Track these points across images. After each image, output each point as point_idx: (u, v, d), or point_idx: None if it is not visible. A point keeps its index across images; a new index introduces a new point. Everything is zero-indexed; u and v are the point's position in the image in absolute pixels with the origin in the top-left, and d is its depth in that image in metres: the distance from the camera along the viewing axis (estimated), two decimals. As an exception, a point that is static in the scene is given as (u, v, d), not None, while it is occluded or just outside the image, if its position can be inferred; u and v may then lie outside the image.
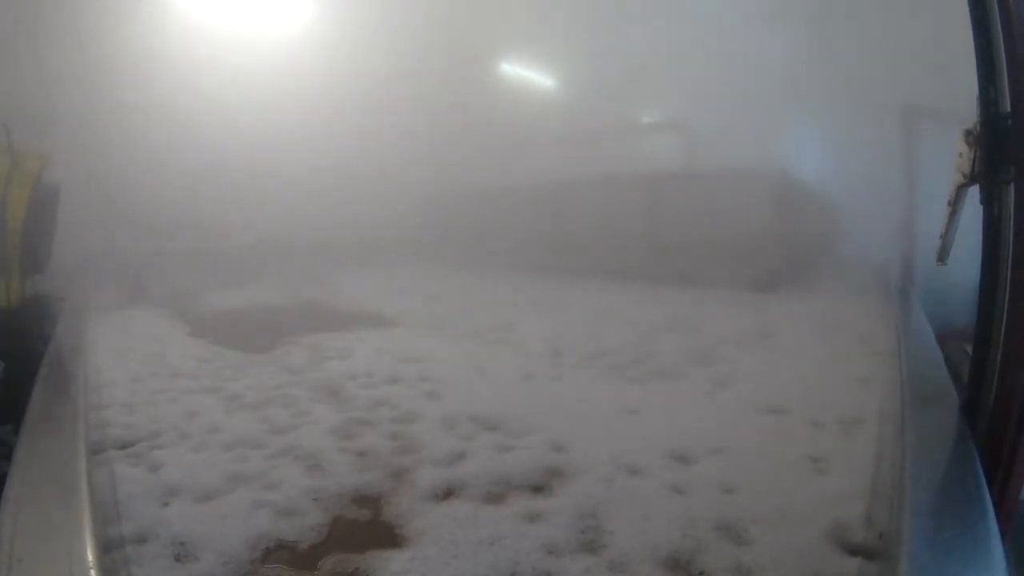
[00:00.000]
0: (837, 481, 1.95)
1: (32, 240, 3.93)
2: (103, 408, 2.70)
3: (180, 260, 6.32)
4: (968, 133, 1.98)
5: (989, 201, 1.95)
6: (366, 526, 1.81)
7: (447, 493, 1.98)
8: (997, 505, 1.65)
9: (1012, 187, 1.89)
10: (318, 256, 6.84)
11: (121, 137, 6.35)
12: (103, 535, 1.65)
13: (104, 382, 3.08)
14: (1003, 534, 1.51)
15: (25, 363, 3.27)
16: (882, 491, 1.82)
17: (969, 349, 2.15)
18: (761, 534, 1.69)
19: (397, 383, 3.10)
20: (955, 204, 2.08)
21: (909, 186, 5.22)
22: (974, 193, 2.01)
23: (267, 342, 4.01)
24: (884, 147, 5.33)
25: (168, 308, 5.24)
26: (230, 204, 6.73)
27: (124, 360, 3.58)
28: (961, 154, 2.01)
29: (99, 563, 1.44)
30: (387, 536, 1.75)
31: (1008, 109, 1.89)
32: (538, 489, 1.99)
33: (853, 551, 1.60)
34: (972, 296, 2.08)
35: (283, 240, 6.89)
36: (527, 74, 8.35)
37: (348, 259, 6.99)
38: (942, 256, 2.17)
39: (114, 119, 6.34)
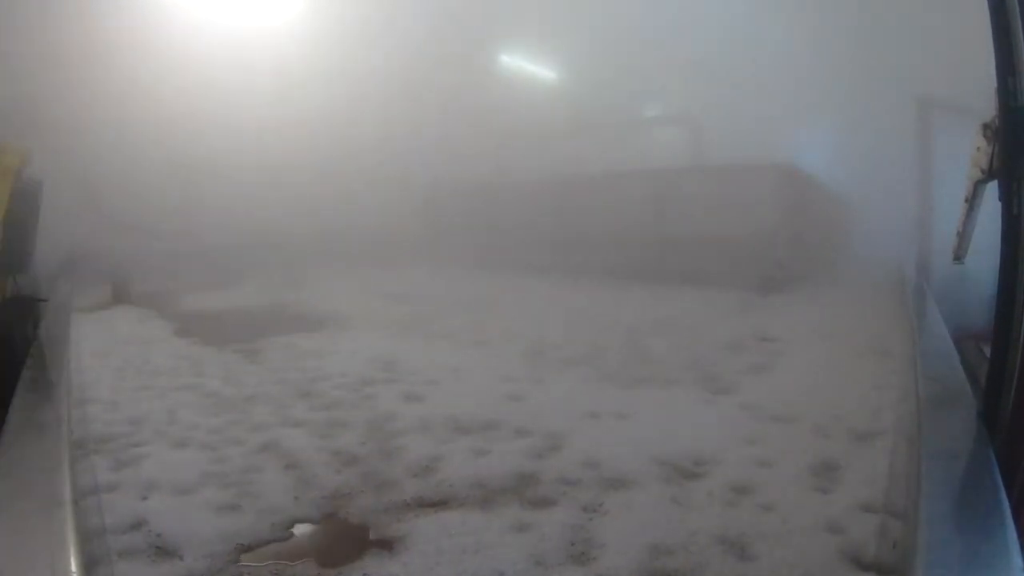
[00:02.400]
0: (848, 492, 1.93)
1: (13, 239, 3.92)
2: (86, 405, 2.79)
3: (164, 260, 6.34)
4: (986, 127, 1.97)
5: (1008, 197, 1.94)
6: (343, 527, 1.84)
7: (427, 497, 2.00)
8: (1016, 513, 1.63)
9: (1032, 182, 1.88)
10: (304, 256, 6.86)
11: (106, 133, 6.34)
12: (85, 527, 1.69)
13: (87, 381, 3.15)
14: (1023, 544, 1.50)
15: (7, 365, 3.26)
16: (896, 501, 1.81)
17: (987, 351, 2.14)
18: (766, 549, 1.67)
19: (374, 384, 3.17)
20: (972, 200, 2.08)
21: (924, 182, 5.21)
22: (992, 189, 2.00)
23: (248, 342, 4.11)
24: (898, 141, 5.32)
25: (151, 308, 5.32)
26: (217, 203, 6.73)
27: (107, 359, 3.67)
28: (979, 148, 2.00)
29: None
30: (366, 538, 1.78)
31: (1027, 101, 1.88)
32: (527, 498, 1.99)
33: (866, 567, 1.58)
34: (990, 296, 2.07)
35: (269, 240, 6.89)
36: (527, 66, 8.34)
37: (335, 259, 7.00)
38: (959, 254, 2.16)
39: (99, 115, 6.33)
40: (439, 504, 1.96)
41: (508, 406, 2.80)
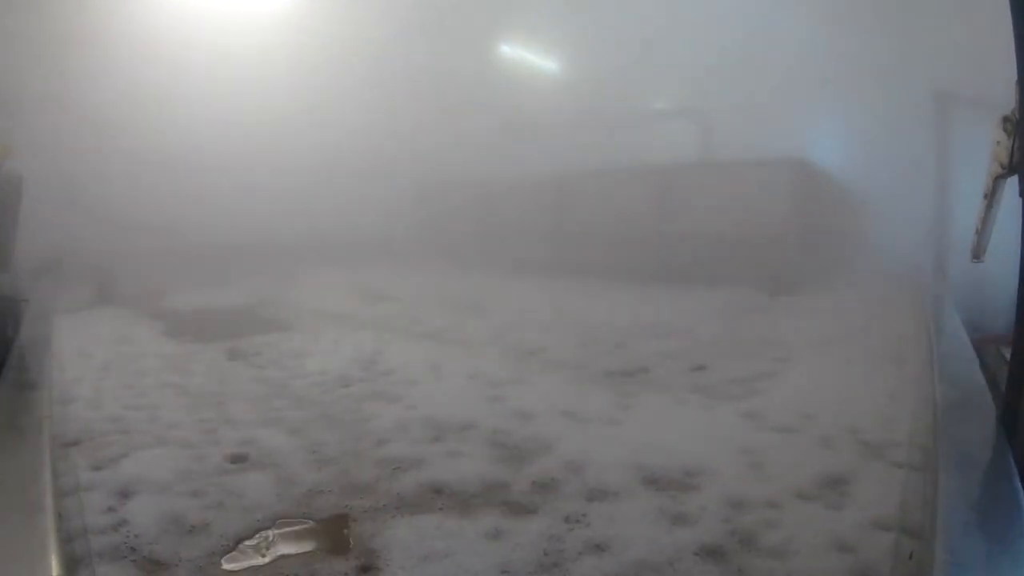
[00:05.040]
0: (858, 507, 1.89)
1: (-7, 237, 3.92)
2: (67, 405, 2.87)
3: (149, 259, 6.36)
4: (1006, 120, 1.96)
5: (1029, 193, 1.92)
6: (316, 529, 1.89)
7: (402, 500, 2.02)
8: (1038, 525, 1.62)
9: (1054, 178, 1.87)
10: (292, 255, 6.88)
11: (89, 127, 6.34)
12: (65, 528, 1.75)
13: (68, 381, 3.23)
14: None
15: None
16: (911, 515, 1.79)
17: (1008, 354, 2.13)
18: (765, 567, 1.62)
19: (353, 384, 3.24)
20: (992, 196, 2.06)
21: (941, 177, 5.19)
22: (1012, 184, 1.99)
23: (231, 341, 4.21)
24: (914, 135, 5.30)
25: (134, 308, 5.39)
26: (203, 201, 6.73)
27: (89, 359, 3.74)
28: (998, 142, 1.99)
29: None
30: (338, 540, 1.82)
31: (1049, 93, 1.87)
32: (504, 505, 1.98)
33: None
34: (1011, 297, 2.06)
35: (256, 238, 6.90)
36: (528, 57, 8.33)
37: (324, 258, 7.01)
38: (978, 253, 2.15)
39: (82, 109, 6.33)
40: (414, 507, 1.98)
41: (489, 408, 2.82)
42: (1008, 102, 1.95)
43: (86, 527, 1.84)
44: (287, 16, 7.36)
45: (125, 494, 2.05)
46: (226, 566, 1.70)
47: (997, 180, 2.02)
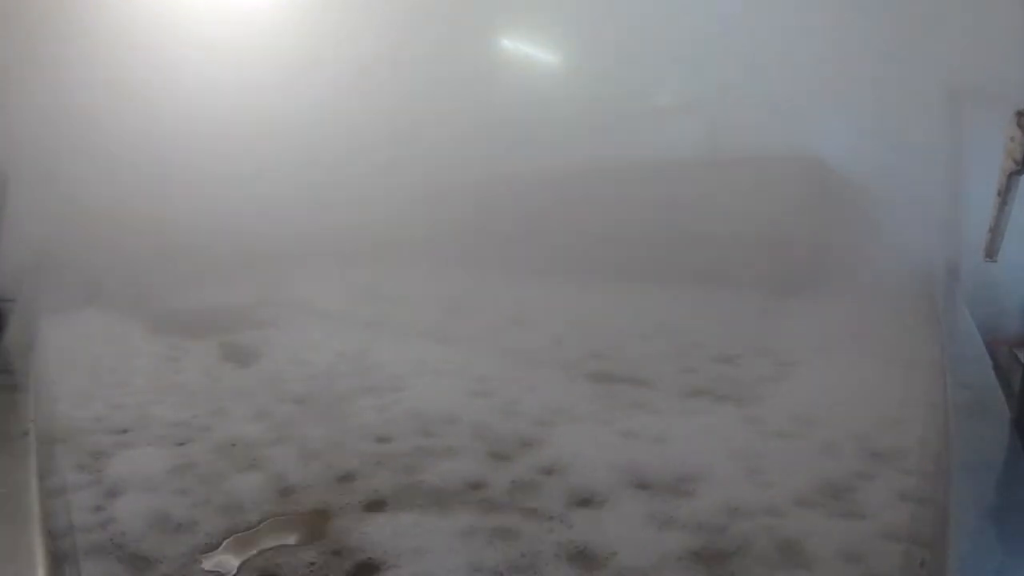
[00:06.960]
0: (865, 515, 1.87)
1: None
2: (53, 404, 2.88)
3: (138, 257, 6.36)
4: (1020, 115, 1.95)
5: (1044, 191, 1.92)
6: (298, 524, 1.93)
7: (384, 496, 2.05)
8: (1053, 532, 1.61)
9: (1069, 175, 1.87)
10: (288, 253, 6.87)
11: (77, 122, 6.34)
12: (51, 527, 1.77)
13: (55, 380, 3.23)
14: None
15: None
16: (922, 519, 1.79)
17: (1022, 356, 2.12)
18: (764, 575, 1.61)
19: (342, 379, 3.29)
20: (1005, 194, 2.06)
21: (954, 174, 5.19)
22: (1027, 182, 1.99)
23: (221, 338, 4.25)
24: (927, 131, 5.30)
25: (122, 306, 5.39)
26: (195, 199, 6.73)
27: (76, 358, 3.77)
28: (1012, 138, 1.98)
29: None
30: (319, 535, 1.86)
31: (1065, 88, 1.86)
32: (483, 503, 1.99)
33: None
34: (1025, 297, 2.06)
35: (249, 236, 6.89)
36: (529, 52, 8.33)
37: (320, 257, 7.01)
38: (991, 252, 2.15)
39: (69, 101, 6.33)
40: (393, 503, 2.01)
41: (477, 406, 2.83)
42: (1022, 97, 1.95)
43: (72, 525, 1.87)
44: (281, 10, 7.37)
45: (112, 493, 2.08)
46: (207, 563, 1.74)
47: (1011, 177, 2.02)
